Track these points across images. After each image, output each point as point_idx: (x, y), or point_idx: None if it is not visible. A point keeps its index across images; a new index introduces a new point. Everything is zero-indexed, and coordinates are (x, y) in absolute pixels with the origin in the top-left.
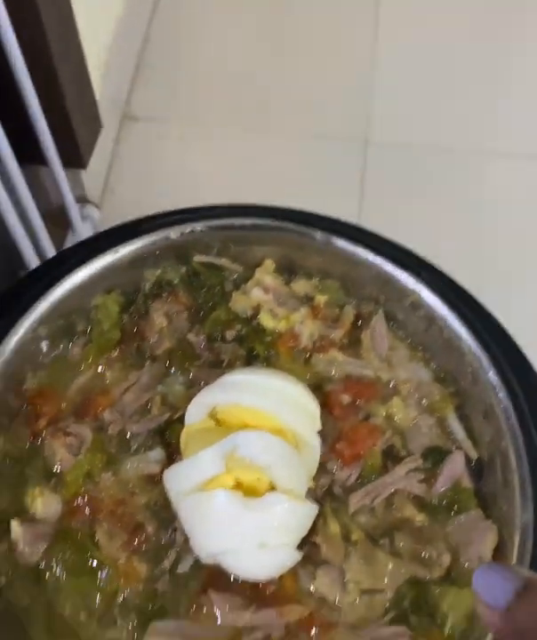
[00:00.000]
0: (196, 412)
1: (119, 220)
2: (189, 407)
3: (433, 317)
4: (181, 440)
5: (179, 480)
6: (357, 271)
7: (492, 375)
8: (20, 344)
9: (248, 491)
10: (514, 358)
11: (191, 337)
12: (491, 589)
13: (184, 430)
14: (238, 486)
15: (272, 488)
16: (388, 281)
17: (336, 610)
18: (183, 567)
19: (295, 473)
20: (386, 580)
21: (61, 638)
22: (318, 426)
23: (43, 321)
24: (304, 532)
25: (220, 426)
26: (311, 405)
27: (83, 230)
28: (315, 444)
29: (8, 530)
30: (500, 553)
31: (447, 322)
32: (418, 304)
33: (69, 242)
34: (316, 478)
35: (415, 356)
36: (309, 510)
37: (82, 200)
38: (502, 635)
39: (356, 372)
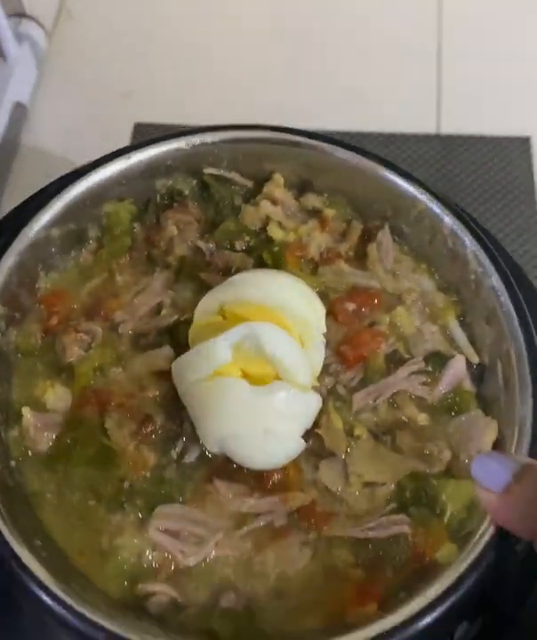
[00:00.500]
0: (204, 310)
1: (76, 56)
2: (198, 305)
3: (438, 227)
4: (190, 335)
5: (187, 369)
6: (366, 187)
7: (494, 280)
8: (33, 241)
9: (254, 381)
10: (512, 266)
11: (201, 244)
12: (489, 474)
13: (192, 326)
14: (245, 376)
15: (277, 380)
16: (396, 194)
17: (338, 500)
18: (189, 457)
19: (300, 365)
20: (387, 474)
21: (69, 521)
22: (323, 327)
23: (56, 222)
24: (308, 423)
25: (228, 321)
26: (316, 305)
27: (18, 55)
28: (319, 343)
29: (20, 418)
30: (498, 447)
31: (452, 230)
32: (424, 214)
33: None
34: (320, 379)
35: (419, 267)
36: (313, 400)
37: (18, 13)
38: (501, 516)
39: (361, 282)
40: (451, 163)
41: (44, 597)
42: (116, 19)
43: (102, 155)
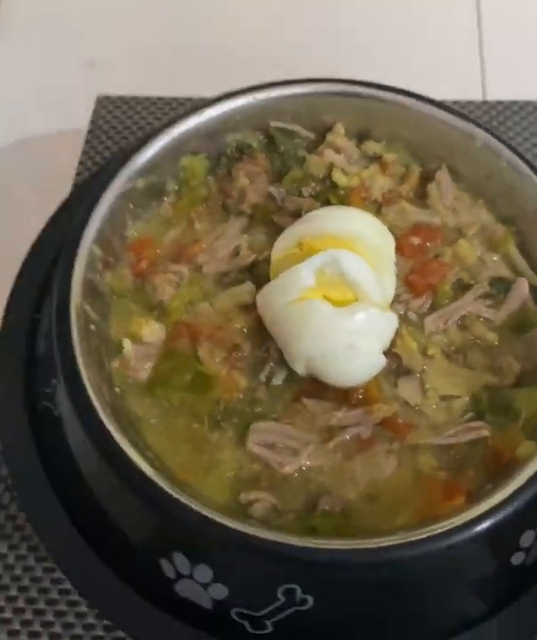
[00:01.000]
0: (283, 245)
1: (31, 20)
2: (276, 242)
3: (495, 162)
4: (271, 269)
5: (274, 295)
6: (422, 131)
7: None
8: (121, 192)
9: (336, 303)
10: None
11: (272, 190)
12: None
13: (272, 260)
14: (327, 300)
15: (357, 302)
16: (453, 134)
17: (418, 413)
18: (277, 380)
19: (376, 288)
20: (462, 388)
21: (172, 441)
22: (393, 256)
23: (139, 174)
24: (387, 341)
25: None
26: (386, 235)
27: None
28: (391, 270)
29: (120, 350)
30: None
31: (509, 162)
32: (481, 151)
33: None
34: (392, 307)
35: (477, 202)
36: (391, 319)
37: None
38: None
39: (423, 219)
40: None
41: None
42: None
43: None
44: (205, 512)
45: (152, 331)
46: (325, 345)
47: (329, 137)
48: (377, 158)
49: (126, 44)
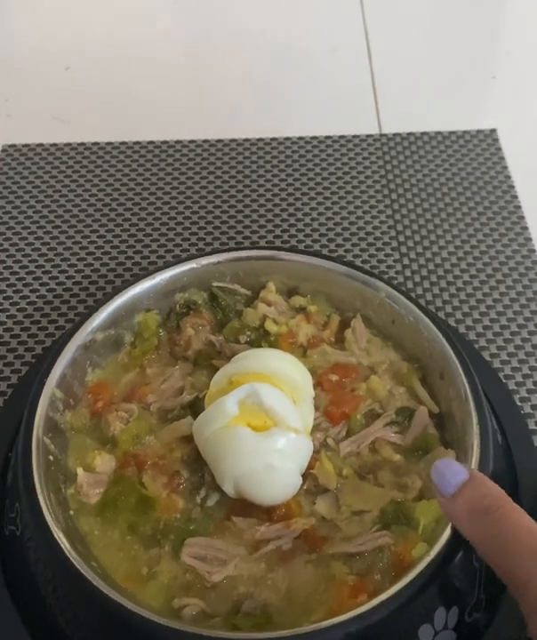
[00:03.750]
0: (216, 381)
1: None
2: (212, 380)
3: (396, 310)
4: (206, 402)
5: (204, 424)
6: (339, 287)
7: (443, 344)
8: (82, 342)
9: (257, 429)
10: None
11: (213, 339)
12: (443, 479)
13: (207, 394)
14: (249, 426)
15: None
16: (362, 289)
17: (333, 526)
18: (211, 501)
19: (292, 415)
20: (372, 503)
21: (116, 555)
22: (311, 390)
23: (100, 329)
24: (304, 462)
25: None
26: (304, 372)
27: None
28: (309, 401)
29: (75, 478)
30: None
31: (407, 310)
32: (384, 302)
33: None
34: (313, 435)
35: (386, 344)
36: (307, 443)
37: None
38: (453, 515)
39: (342, 360)
40: (395, 160)
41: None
42: None
43: None
44: (146, 614)
45: (104, 461)
46: (247, 464)
47: (262, 293)
48: (303, 309)
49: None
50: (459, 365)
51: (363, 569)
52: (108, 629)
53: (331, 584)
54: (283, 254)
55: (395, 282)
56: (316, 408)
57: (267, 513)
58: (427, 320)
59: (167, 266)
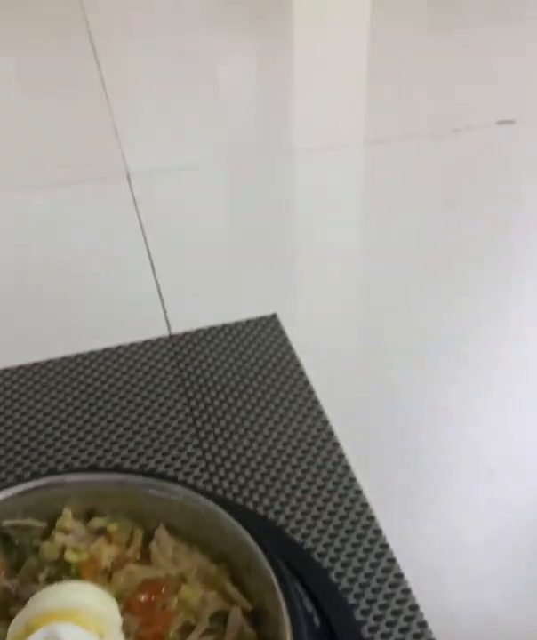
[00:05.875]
0: (13, 631)
1: None
2: (9, 630)
3: (198, 511)
4: None
5: None
6: (139, 497)
7: (248, 538)
8: None
9: None
10: (257, 520)
11: (7, 584)
12: None
13: None
14: None
15: None
16: (161, 496)
17: None
18: None
19: None
20: None
21: None
22: (118, 619)
23: None
24: None
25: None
26: (107, 600)
27: None
28: (117, 633)
29: None
30: None
31: (209, 508)
32: (184, 505)
33: None
34: None
35: (193, 548)
36: None
37: None
38: None
39: (150, 575)
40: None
41: None
42: None
43: None
44: None
45: None
46: None
47: (59, 521)
48: (103, 531)
49: None
50: (261, 554)
51: None
52: None
53: None
54: (71, 477)
55: (200, 480)
56: (127, 635)
57: None
58: (226, 515)
59: None
